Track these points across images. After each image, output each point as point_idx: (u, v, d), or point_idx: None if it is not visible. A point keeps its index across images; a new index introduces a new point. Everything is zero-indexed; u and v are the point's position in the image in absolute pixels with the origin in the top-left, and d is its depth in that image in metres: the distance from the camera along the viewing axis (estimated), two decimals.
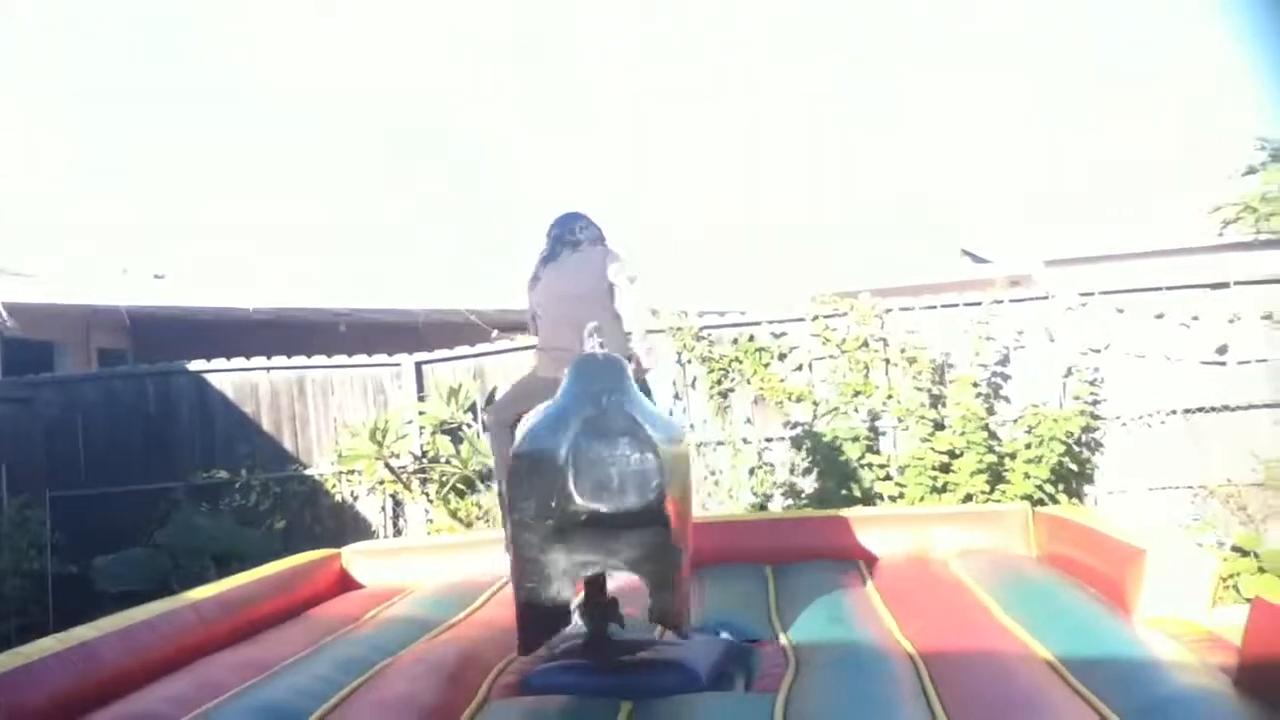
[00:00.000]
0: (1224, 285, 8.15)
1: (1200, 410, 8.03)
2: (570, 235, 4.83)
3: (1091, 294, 8.30)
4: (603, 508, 3.45)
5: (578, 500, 3.44)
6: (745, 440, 8.63)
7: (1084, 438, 7.96)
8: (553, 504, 3.52)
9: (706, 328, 8.83)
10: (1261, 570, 6.87)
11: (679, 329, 8.65)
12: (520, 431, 4.31)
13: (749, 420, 8.71)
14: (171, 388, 9.55)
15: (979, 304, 8.32)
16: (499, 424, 4.83)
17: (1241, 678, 3.29)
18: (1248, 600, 6.57)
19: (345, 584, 6.48)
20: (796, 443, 8.40)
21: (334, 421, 9.53)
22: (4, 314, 10.09)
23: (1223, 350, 8.04)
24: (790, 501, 8.39)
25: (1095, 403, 8.02)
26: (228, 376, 9.55)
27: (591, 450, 3.45)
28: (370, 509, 9.29)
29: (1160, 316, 8.14)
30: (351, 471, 9.20)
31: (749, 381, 8.59)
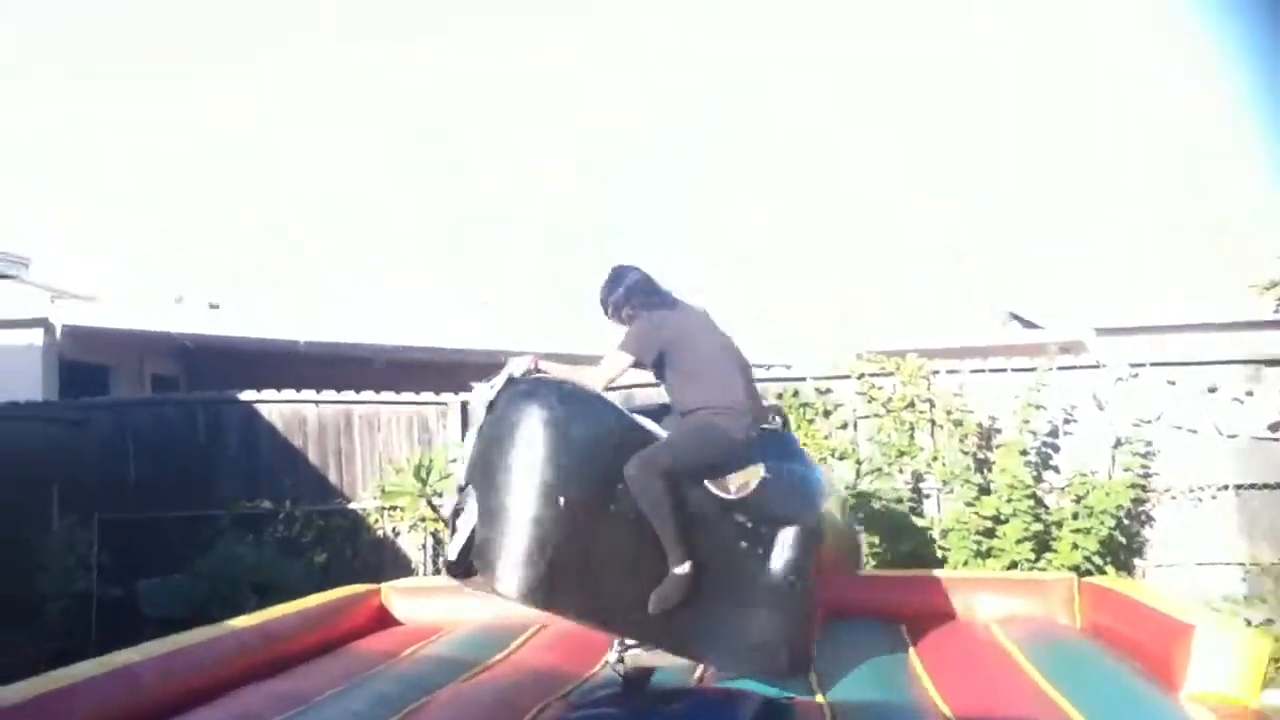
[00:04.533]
0: (1277, 362, 8.04)
1: (1252, 487, 7.89)
2: (665, 289, 4.57)
3: (1143, 364, 8.20)
4: None
5: None
6: None
7: (1133, 510, 7.84)
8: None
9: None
10: None
11: None
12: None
13: None
14: (222, 416, 9.67)
15: (1028, 369, 8.23)
16: (671, 473, 4.16)
17: None
18: None
19: (384, 620, 6.52)
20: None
21: (379, 457, 9.61)
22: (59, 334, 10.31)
23: (1276, 427, 7.91)
24: None
25: (1146, 475, 7.91)
26: (277, 407, 9.66)
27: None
28: (411, 546, 9.32)
29: (1213, 390, 8.02)
30: (394, 508, 9.25)
31: None
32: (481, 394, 4.26)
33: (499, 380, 4.19)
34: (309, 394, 9.71)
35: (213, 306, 14.53)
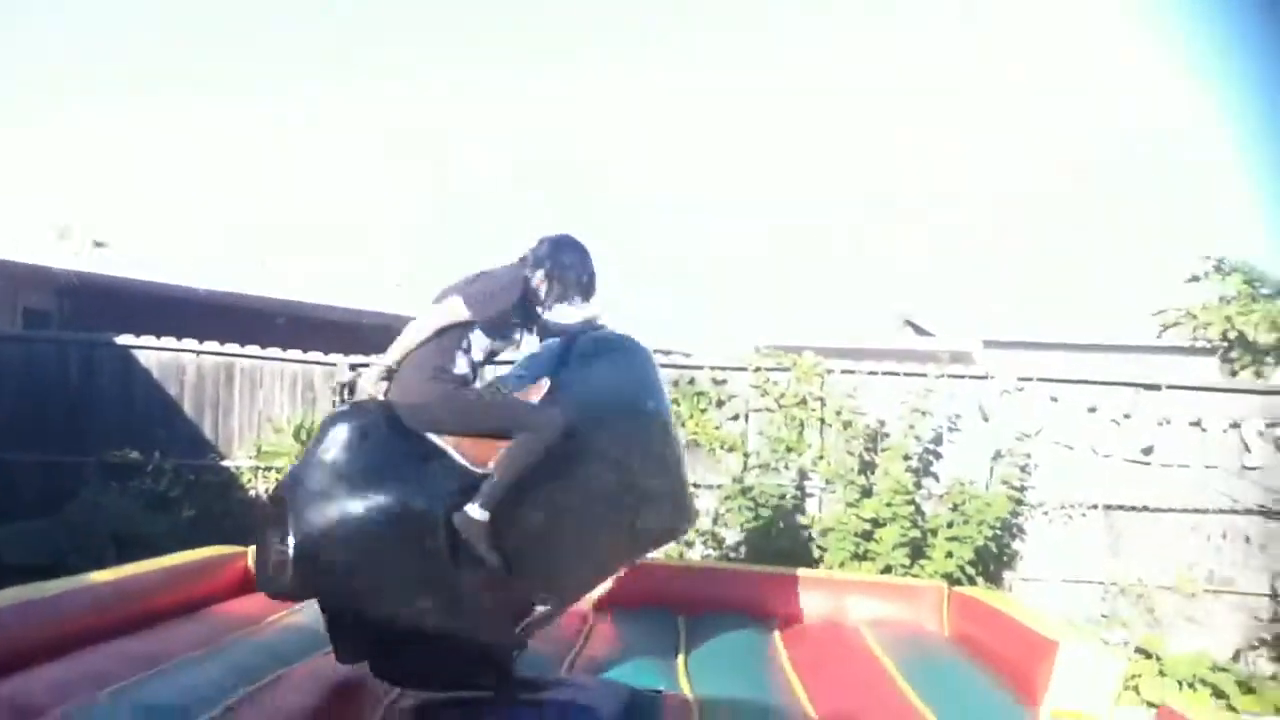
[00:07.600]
0: (1156, 387, 8.28)
1: (1121, 508, 8.13)
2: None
3: (1029, 379, 8.38)
4: None
5: None
6: None
7: (1008, 522, 8.00)
8: None
9: None
10: (1162, 674, 6.95)
11: None
12: None
13: None
14: (95, 358, 9.20)
15: (920, 375, 8.36)
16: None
17: None
18: (1149, 704, 6.67)
19: (248, 584, 6.30)
20: (724, 492, 8.34)
21: (259, 415, 9.31)
22: None
23: (1148, 451, 8.16)
24: (711, 551, 8.34)
25: (1022, 489, 8.08)
26: (154, 354, 9.24)
27: None
28: None
29: (1093, 410, 8.24)
30: (270, 468, 8.96)
31: (684, 425, 8.53)
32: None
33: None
34: (189, 343, 9.33)
35: (98, 244, 13.92)
